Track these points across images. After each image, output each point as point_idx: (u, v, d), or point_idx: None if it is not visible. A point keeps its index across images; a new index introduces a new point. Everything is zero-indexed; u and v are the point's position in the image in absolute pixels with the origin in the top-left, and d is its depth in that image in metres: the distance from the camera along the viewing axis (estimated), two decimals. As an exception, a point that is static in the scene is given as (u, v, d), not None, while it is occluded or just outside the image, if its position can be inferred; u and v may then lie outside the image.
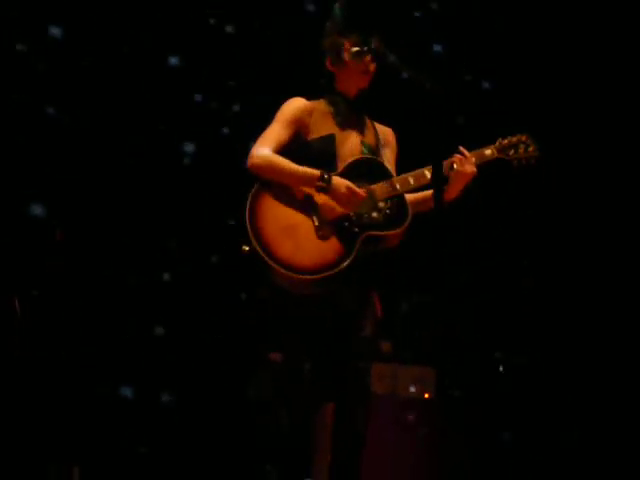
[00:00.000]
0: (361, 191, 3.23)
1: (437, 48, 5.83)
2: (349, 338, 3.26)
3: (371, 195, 3.27)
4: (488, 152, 3.45)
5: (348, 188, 3.22)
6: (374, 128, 3.47)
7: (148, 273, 5.27)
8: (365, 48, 3.27)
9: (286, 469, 3.28)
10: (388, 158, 3.45)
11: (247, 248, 3.17)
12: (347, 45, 3.34)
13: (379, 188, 3.29)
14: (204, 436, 5.15)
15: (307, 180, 3.24)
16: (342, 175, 3.26)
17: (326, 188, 3.22)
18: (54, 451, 4.70)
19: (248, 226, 3.17)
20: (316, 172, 3.23)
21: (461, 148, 3.41)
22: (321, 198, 3.25)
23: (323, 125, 3.37)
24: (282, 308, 3.28)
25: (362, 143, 3.39)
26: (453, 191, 3.39)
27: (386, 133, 3.52)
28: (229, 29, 5.55)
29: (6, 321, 4.62)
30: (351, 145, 3.37)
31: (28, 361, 4.71)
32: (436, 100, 2.95)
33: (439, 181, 2.94)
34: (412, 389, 4.94)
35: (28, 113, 5.12)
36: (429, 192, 3.40)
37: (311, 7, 5.61)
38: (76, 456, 4.75)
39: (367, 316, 3.31)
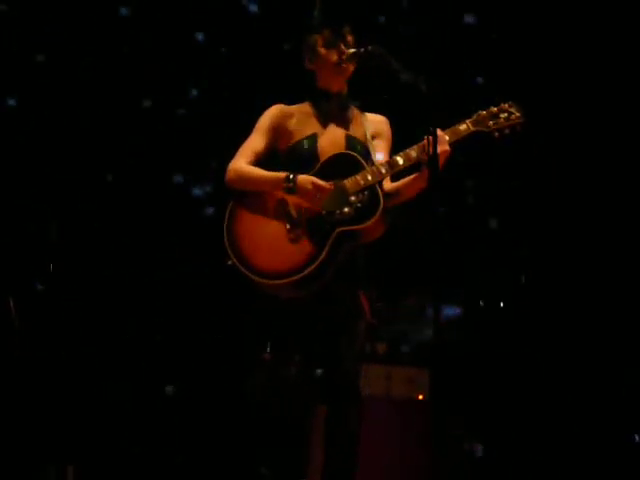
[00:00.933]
0: (327, 184, 3.20)
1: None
2: (337, 339, 3.26)
3: (342, 190, 3.22)
4: (462, 127, 3.29)
5: (313, 183, 3.20)
6: (363, 120, 3.43)
7: (147, 274, 5.29)
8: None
9: (282, 470, 3.31)
10: (380, 147, 3.39)
11: (230, 262, 3.23)
12: (320, 41, 3.36)
13: (350, 182, 3.23)
14: (200, 436, 5.17)
15: (275, 184, 3.25)
16: (317, 174, 3.25)
17: (293, 188, 3.21)
18: (49, 450, 4.71)
19: (226, 242, 3.23)
20: (282, 175, 3.24)
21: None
22: (292, 201, 3.25)
23: (306, 126, 3.37)
24: (270, 313, 3.34)
25: (346, 137, 3.36)
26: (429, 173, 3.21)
27: (378, 122, 3.47)
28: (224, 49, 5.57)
29: (4, 322, 4.63)
30: (334, 141, 3.34)
31: (26, 361, 4.73)
32: (432, 101, 2.97)
33: (435, 162, 2.91)
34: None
35: (27, 113, 5.15)
36: (406, 180, 3.34)
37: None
38: (70, 455, 4.77)
39: (355, 317, 3.30)
